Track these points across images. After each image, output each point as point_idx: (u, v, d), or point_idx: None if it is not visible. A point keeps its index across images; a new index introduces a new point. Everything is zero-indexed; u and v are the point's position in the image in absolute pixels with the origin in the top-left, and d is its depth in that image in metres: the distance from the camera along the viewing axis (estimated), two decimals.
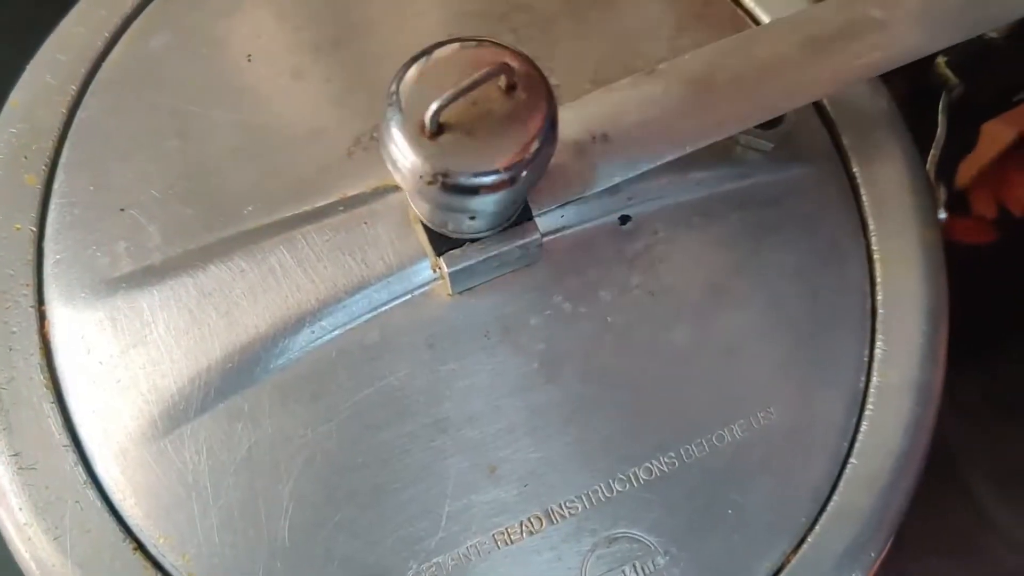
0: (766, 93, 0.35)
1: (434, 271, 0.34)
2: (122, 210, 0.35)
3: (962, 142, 0.63)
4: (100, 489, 0.33)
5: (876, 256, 0.38)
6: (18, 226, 0.35)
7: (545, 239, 0.35)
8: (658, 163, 0.34)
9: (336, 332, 0.34)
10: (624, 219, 0.36)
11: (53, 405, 0.34)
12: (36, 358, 0.34)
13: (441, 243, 0.33)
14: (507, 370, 0.34)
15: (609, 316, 0.35)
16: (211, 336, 0.34)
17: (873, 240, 0.38)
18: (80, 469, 0.33)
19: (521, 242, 0.33)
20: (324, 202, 0.35)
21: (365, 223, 0.34)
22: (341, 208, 0.35)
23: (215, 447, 0.33)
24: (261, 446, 0.33)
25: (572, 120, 0.34)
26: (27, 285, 0.35)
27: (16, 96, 0.37)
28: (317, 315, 0.34)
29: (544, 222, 0.34)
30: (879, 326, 0.37)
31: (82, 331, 0.34)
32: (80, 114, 0.37)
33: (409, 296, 0.35)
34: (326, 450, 0.33)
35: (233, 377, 0.34)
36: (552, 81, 0.36)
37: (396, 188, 0.35)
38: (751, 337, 0.36)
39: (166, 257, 0.35)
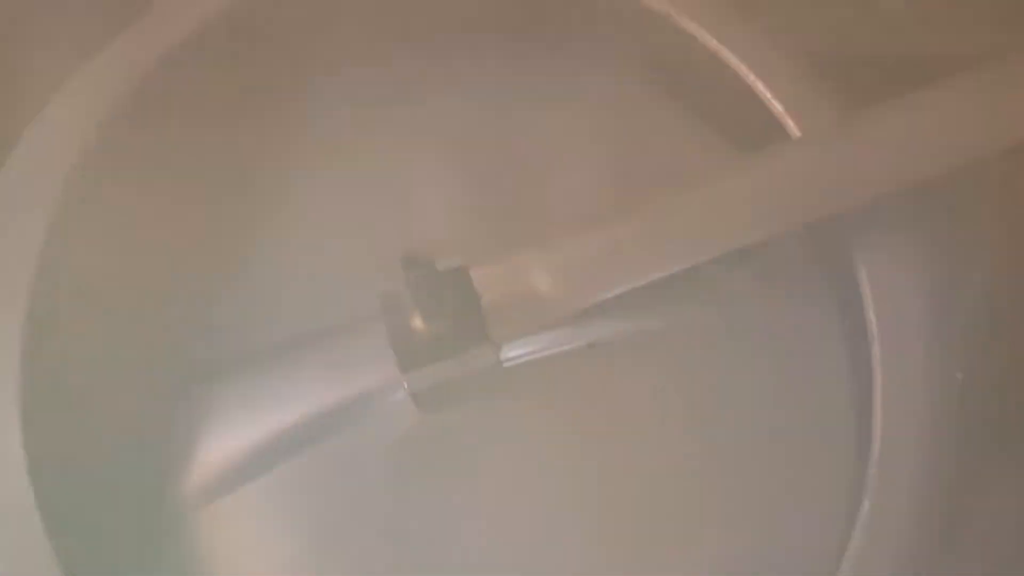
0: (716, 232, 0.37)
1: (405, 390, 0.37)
2: None
3: None
4: None
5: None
6: None
7: (511, 363, 0.37)
8: (613, 294, 0.36)
9: (315, 445, 0.37)
10: (592, 344, 0.38)
11: None
12: None
13: (407, 363, 0.36)
14: (475, 489, 0.37)
15: (580, 444, 0.37)
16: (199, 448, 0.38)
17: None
18: None
19: (481, 366, 0.36)
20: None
21: (351, 342, 0.38)
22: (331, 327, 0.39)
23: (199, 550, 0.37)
24: (246, 547, 0.37)
25: (534, 260, 0.37)
26: None
27: None
28: (298, 428, 0.37)
29: (512, 349, 0.37)
30: None
31: None
32: None
33: (385, 412, 0.38)
34: (302, 550, 0.36)
35: (214, 487, 0.37)
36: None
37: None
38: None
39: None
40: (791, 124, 0.40)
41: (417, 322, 0.36)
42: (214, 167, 0.40)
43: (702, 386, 0.38)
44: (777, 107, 0.40)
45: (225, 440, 0.38)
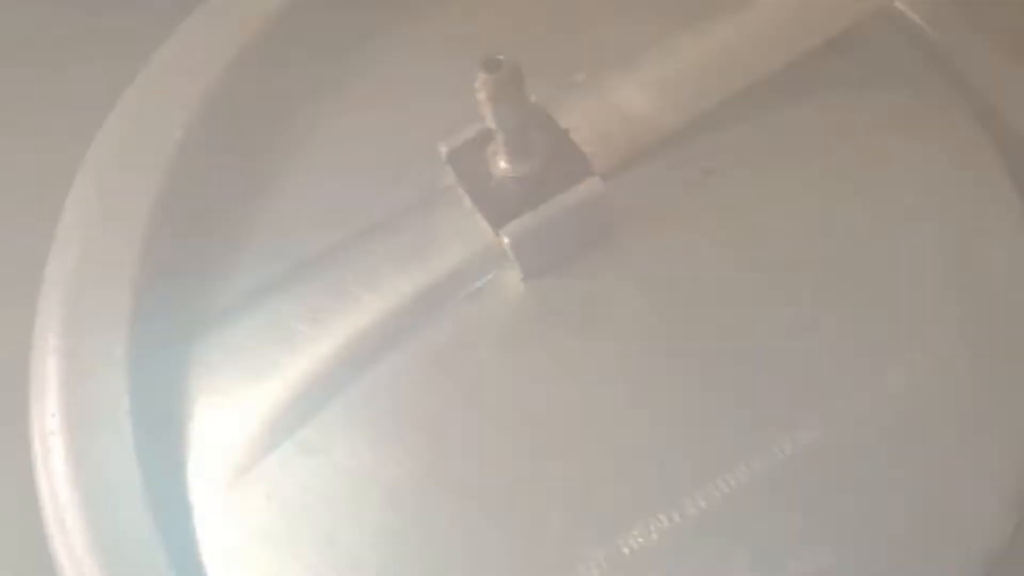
0: None
1: (499, 253, 0.31)
2: None
3: None
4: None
5: None
6: None
7: (620, 206, 0.31)
8: (715, 102, 0.31)
9: (407, 342, 0.31)
10: (707, 171, 0.32)
11: None
12: None
13: (498, 216, 0.30)
14: (595, 354, 0.30)
15: (701, 284, 0.31)
16: (274, 369, 0.31)
17: None
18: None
19: (586, 202, 0.30)
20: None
21: (423, 222, 0.32)
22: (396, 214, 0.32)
23: (288, 489, 0.29)
24: (340, 479, 0.29)
25: (623, 80, 0.32)
26: None
27: None
28: (385, 326, 0.31)
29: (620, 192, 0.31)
30: None
31: None
32: None
33: (477, 290, 0.31)
34: (413, 473, 0.29)
35: (301, 409, 0.30)
36: None
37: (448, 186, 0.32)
38: None
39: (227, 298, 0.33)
40: None
41: (502, 165, 0.30)
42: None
43: (840, 216, 0.32)
44: None
45: (296, 358, 0.31)
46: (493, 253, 0.31)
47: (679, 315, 0.30)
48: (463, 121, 0.32)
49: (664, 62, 0.32)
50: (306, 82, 0.36)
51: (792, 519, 0.27)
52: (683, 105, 0.31)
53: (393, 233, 0.32)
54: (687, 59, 0.32)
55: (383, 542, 0.28)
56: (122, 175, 0.34)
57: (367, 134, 0.35)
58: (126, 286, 0.32)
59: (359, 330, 0.31)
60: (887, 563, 0.27)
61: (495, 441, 0.29)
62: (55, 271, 0.33)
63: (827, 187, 0.32)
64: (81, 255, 0.33)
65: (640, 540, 0.27)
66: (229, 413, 0.31)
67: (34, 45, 0.43)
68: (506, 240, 0.30)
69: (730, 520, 0.27)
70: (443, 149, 0.32)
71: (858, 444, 0.28)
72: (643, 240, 0.31)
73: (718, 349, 0.30)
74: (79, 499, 0.29)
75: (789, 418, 0.28)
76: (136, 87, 0.35)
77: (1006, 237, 0.31)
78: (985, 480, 0.27)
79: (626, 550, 0.27)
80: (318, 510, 0.29)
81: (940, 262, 0.31)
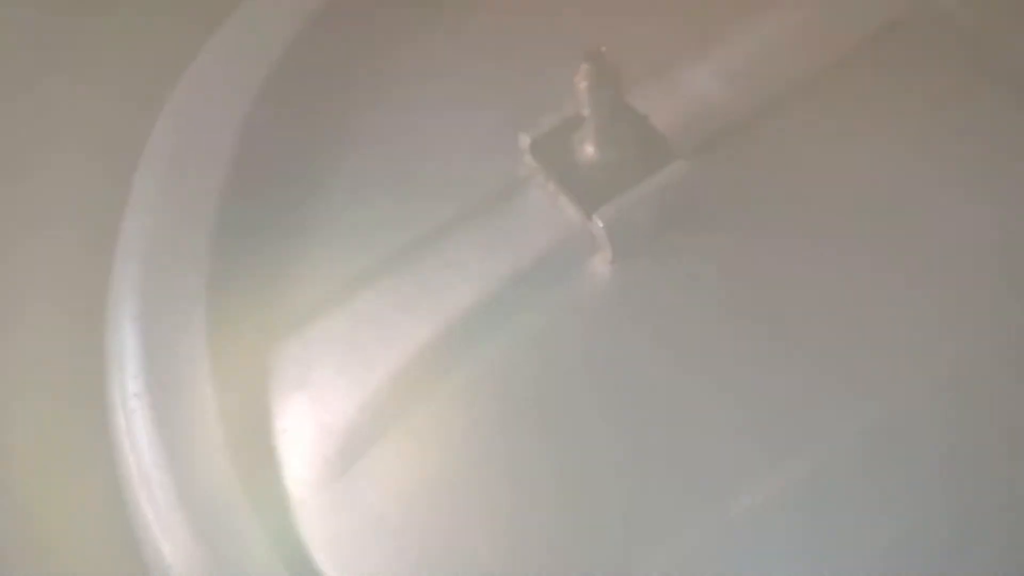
0: None
1: (585, 237, 0.32)
2: None
3: None
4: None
5: None
6: None
7: (699, 188, 0.32)
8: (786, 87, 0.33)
9: (501, 329, 0.31)
10: (776, 151, 0.33)
11: None
12: None
13: (590, 203, 0.31)
14: (688, 332, 0.31)
15: (781, 260, 0.32)
16: (371, 360, 0.31)
17: None
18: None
19: (671, 181, 0.31)
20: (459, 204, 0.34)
21: (508, 210, 0.33)
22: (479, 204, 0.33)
23: (395, 476, 0.30)
24: (444, 466, 0.30)
25: (696, 70, 0.33)
26: None
27: None
28: (478, 314, 0.31)
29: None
30: None
31: None
32: None
33: (568, 276, 0.32)
34: (517, 454, 0.30)
35: (400, 398, 0.31)
36: None
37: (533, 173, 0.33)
38: None
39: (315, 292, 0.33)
40: None
41: (588, 152, 0.31)
42: None
43: (903, 193, 0.33)
44: None
45: (392, 349, 0.31)
46: (578, 238, 0.32)
47: (762, 290, 0.31)
48: (533, 108, 0.33)
49: (738, 49, 0.33)
50: (378, 71, 0.37)
51: (881, 487, 0.28)
52: (750, 90, 0.32)
53: (477, 223, 0.33)
54: (752, 47, 0.33)
55: (491, 524, 0.29)
56: (190, 159, 0.35)
57: (440, 123, 0.35)
58: (203, 257, 0.33)
59: (453, 319, 0.31)
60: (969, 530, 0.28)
61: (597, 419, 0.30)
62: (130, 242, 0.34)
63: (891, 165, 0.33)
64: (156, 230, 0.34)
65: (742, 505, 0.28)
66: (327, 405, 0.31)
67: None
68: (600, 223, 0.31)
69: (828, 486, 0.28)
70: (525, 139, 0.32)
71: (946, 411, 0.29)
72: (722, 220, 0.32)
73: (803, 321, 0.31)
74: (166, 457, 0.30)
75: (877, 388, 0.30)
76: (202, 62, 0.36)
77: None
78: None
79: (726, 518, 0.28)
80: (427, 495, 0.30)
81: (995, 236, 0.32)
